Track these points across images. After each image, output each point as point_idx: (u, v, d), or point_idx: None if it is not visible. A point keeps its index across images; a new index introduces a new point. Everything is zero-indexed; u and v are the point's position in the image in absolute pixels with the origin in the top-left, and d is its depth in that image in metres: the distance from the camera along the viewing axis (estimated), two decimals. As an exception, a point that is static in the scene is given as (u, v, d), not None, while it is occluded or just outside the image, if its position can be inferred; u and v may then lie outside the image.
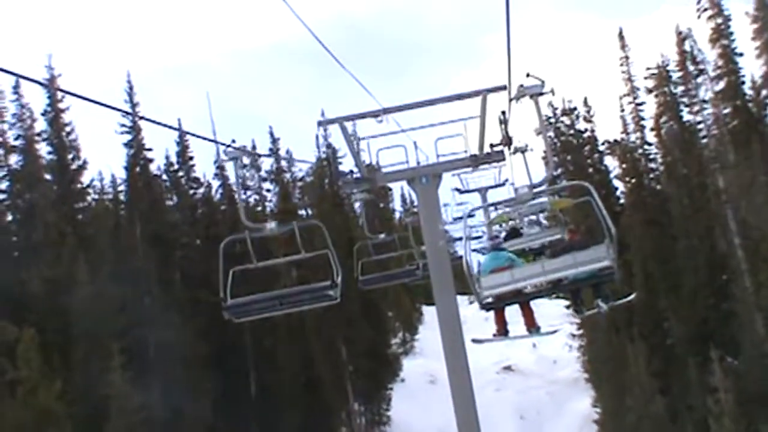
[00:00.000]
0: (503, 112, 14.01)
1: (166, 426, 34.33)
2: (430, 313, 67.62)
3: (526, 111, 12.70)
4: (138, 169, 46.77)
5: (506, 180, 22.07)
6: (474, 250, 22.42)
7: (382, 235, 24.05)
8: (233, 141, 12.30)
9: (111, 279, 36.29)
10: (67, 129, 41.51)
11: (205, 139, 14.87)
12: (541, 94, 11.89)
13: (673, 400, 31.37)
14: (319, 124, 14.97)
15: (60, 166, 40.69)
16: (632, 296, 20.27)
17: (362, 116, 14.99)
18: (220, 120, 11.62)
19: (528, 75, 11.82)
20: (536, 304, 16.19)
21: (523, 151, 18.81)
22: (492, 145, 14.48)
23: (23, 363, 27.21)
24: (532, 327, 15.54)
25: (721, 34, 43.32)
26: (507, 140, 14.21)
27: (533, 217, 22.58)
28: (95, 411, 31.51)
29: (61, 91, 56.83)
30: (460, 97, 14.48)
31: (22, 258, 36.12)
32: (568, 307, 55.97)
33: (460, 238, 21.57)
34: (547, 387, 60.35)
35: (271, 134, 57.52)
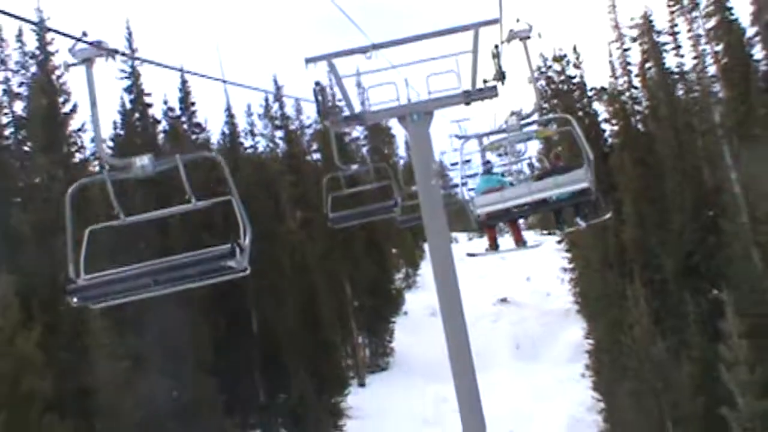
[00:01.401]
0: (496, 46, 12.77)
1: (162, 370, 31.64)
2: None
3: (518, 57, 12.35)
4: (137, 114, 43.32)
5: (502, 126, 20.64)
6: (470, 189, 21.12)
7: (355, 166, 21.76)
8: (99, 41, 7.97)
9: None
10: (57, 72, 37.74)
11: (206, 77, 13.28)
12: (529, 37, 11.78)
13: (670, 337, 29.59)
14: (307, 61, 13.21)
15: (50, 110, 36.96)
16: (609, 215, 19.74)
17: (351, 52, 13.33)
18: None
19: (518, 20, 11.68)
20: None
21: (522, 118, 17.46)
22: (485, 81, 13.01)
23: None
24: (520, 242, 16.08)
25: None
26: (500, 75, 12.75)
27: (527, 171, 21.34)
28: (79, 359, 28.68)
29: (53, 30, 54.37)
30: (451, 31, 12.98)
31: (19, 204, 33.83)
32: (559, 242, 56.44)
33: (457, 185, 19.88)
34: (541, 318, 58.99)
35: (275, 81, 54.82)
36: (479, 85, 13.03)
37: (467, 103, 13.35)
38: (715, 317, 30.99)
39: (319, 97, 13.27)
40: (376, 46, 13.26)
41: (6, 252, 28.91)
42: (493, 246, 15.81)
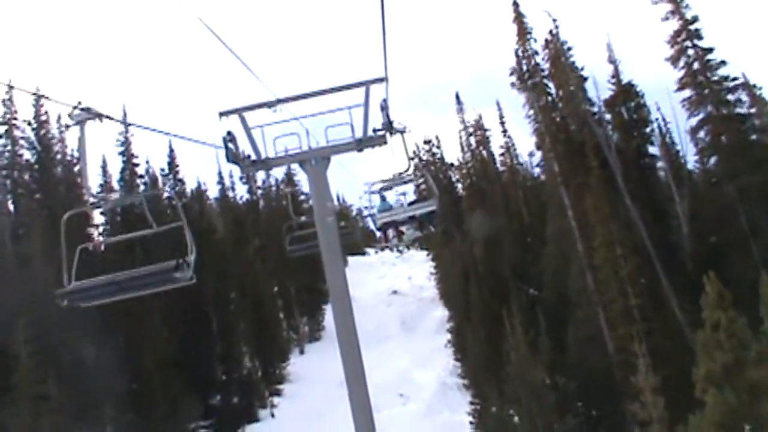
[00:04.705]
0: (384, 100, 8.73)
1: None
2: (351, 259, 60.92)
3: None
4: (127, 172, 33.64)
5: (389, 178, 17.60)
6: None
7: (303, 218, 16.32)
8: None
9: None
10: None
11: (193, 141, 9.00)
12: (404, 132, 9.21)
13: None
14: (221, 114, 8.91)
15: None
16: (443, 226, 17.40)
17: (259, 106, 8.92)
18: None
19: (399, 123, 9.13)
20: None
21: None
22: (375, 130, 8.82)
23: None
24: (401, 236, 13.99)
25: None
26: (388, 125, 8.77)
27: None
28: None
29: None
30: (346, 87, 8.79)
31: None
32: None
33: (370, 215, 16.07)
34: (417, 303, 54.08)
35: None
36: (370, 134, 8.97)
37: (359, 150, 9.16)
38: (535, 308, 26.96)
39: (229, 145, 9.01)
40: (280, 101, 8.98)
41: None
42: (386, 240, 14.07)
